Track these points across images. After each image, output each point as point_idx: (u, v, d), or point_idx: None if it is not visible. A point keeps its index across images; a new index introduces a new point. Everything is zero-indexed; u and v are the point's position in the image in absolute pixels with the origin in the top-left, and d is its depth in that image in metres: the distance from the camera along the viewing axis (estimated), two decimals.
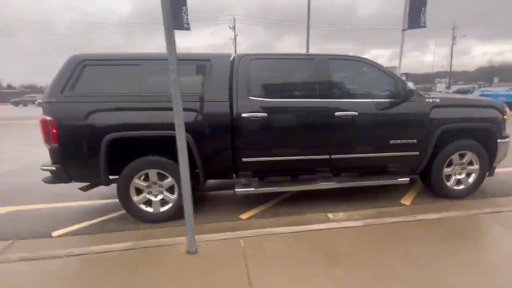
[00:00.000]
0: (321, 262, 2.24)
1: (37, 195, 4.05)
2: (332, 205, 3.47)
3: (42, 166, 2.97)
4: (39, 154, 6.60)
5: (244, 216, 3.29)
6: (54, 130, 2.79)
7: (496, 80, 36.56)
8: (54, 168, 2.88)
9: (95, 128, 2.83)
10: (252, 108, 2.99)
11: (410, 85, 3.01)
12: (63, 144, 2.83)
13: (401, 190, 3.86)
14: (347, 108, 3.12)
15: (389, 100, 3.21)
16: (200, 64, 3.05)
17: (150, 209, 3.09)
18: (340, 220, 3.01)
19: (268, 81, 3.27)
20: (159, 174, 3.02)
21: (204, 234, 2.68)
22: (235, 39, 33.53)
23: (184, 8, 16.01)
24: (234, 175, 3.27)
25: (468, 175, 3.52)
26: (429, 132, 3.25)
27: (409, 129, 3.26)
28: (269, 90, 3.19)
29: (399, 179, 3.37)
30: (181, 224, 2.99)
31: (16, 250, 2.56)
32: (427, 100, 3.27)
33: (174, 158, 3.00)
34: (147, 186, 3.05)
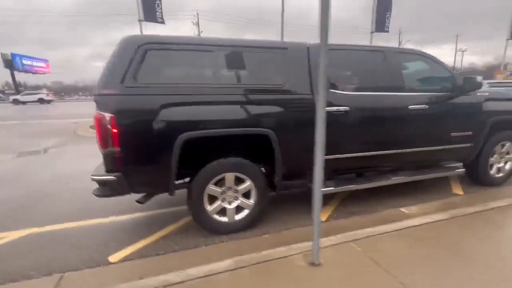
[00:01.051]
0: (449, 257, 2.17)
1: (50, 213, 3.26)
2: (396, 200, 3.45)
3: (95, 176, 2.36)
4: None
5: (322, 217, 3.07)
6: (115, 130, 2.22)
7: None
8: (113, 177, 2.30)
9: (167, 127, 2.33)
10: (335, 102, 2.79)
11: (479, 78, 3.10)
12: (126, 147, 2.28)
13: (442, 181, 4.04)
14: (418, 101, 3.11)
15: (451, 93, 3.29)
16: (278, 52, 2.73)
17: (224, 219, 2.69)
18: (417, 214, 2.99)
19: (345, 73, 3.09)
20: (235, 178, 2.64)
21: (306, 242, 2.41)
22: (199, 35, 32.16)
23: (158, 1, 14.87)
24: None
25: (506, 163, 3.83)
26: (482, 124, 3.43)
27: (467, 121, 3.40)
28: (348, 82, 3.01)
29: (457, 170, 3.51)
30: (254, 234, 2.69)
31: None
32: (479, 93, 3.44)
33: (251, 158, 2.69)
34: (221, 193, 2.64)
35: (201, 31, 31.74)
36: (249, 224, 2.76)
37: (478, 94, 3.43)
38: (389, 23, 16.43)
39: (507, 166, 3.83)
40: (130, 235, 2.74)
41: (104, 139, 2.24)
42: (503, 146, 3.71)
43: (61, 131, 10.21)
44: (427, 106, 3.12)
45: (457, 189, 3.78)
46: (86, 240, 2.68)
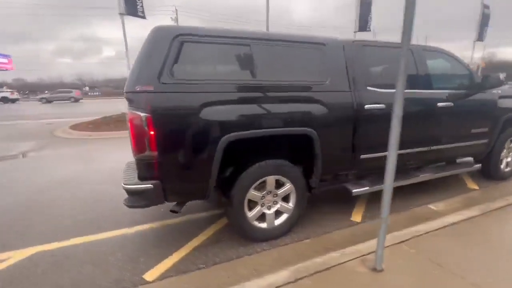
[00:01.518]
0: (505, 253, 2.18)
1: (54, 226, 2.89)
2: (418, 198, 3.45)
3: (128, 185, 2.07)
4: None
5: (355, 218, 3.00)
6: (152, 132, 1.96)
7: None
8: (150, 186, 2.03)
9: (210, 127, 2.11)
10: (372, 99, 2.71)
11: (501, 76, 3.17)
12: (164, 150, 2.02)
13: (453, 177, 4.14)
14: (445, 98, 3.13)
15: (471, 90, 3.35)
16: (317, 48, 2.59)
17: (263, 225, 2.51)
18: (447, 211, 3.02)
19: (380, 70, 3.02)
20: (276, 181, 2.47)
21: (353, 246, 2.31)
22: None
23: None
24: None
25: None
26: (497, 120, 3.55)
27: (485, 118, 3.49)
28: (382, 79, 2.94)
29: (474, 166, 3.60)
30: (293, 239, 2.56)
31: None
32: (493, 91, 3.55)
33: (289, 160, 2.54)
34: (261, 197, 2.47)
35: None
36: (288, 229, 2.61)
37: (493, 91, 3.54)
38: (371, 22, 16.97)
39: None
40: (159, 248, 2.48)
41: (140, 142, 1.98)
42: (510, 141, 3.88)
43: (36, 133, 9.33)
44: (452, 104, 3.15)
45: (472, 184, 3.89)
46: (109, 256, 2.37)
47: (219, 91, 2.16)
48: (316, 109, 2.47)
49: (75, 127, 9.55)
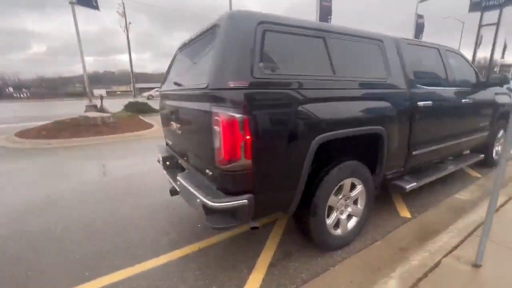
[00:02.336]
0: None
1: (68, 267, 2.29)
2: (439, 190, 3.67)
3: (215, 202, 1.69)
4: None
5: (403, 214, 3.03)
6: (249, 137, 1.64)
7: None
8: (244, 202, 1.70)
9: (307, 128, 1.88)
10: (422, 97, 2.76)
11: (509, 75, 3.55)
12: (260, 157, 1.72)
13: None
14: (466, 95, 3.38)
15: (480, 88, 3.69)
16: (377, 44, 2.52)
17: (338, 231, 2.35)
18: (477, 198, 3.26)
19: (423, 68, 3.07)
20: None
21: (433, 243, 2.30)
22: (127, 28, 28.39)
23: None
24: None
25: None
26: (495, 114, 3.99)
27: (488, 113, 3.89)
28: (426, 77, 3.00)
29: (480, 156, 3.99)
30: (363, 243, 2.47)
31: None
32: (491, 89, 3.97)
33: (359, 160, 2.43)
34: (337, 202, 2.30)
35: (130, 22, 28.25)
36: (358, 232, 2.50)
37: (491, 89, 3.96)
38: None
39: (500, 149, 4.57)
40: (227, 271, 2.13)
41: (233, 149, 1.64)
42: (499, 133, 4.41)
43: None
44: (471, 101, 3.41)
45: (474, 173, 4.30)
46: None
47: (311, 88, 1.93)
48: (384, 106, 2.41)
49: (23, 134, 7.98)
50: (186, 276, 2.09)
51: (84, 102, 12.50)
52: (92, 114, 9.55)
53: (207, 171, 1.92)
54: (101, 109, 11.32)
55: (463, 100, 3.29)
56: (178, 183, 2.16)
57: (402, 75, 2.63)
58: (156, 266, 2.22)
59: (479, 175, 4.21)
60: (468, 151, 4.19)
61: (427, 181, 3.04)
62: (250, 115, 1.64)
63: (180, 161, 2.67)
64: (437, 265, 2.01)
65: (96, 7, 12.32)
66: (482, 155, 4.04)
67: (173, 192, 2.67)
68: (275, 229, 2.73)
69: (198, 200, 1.80)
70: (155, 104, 14.99)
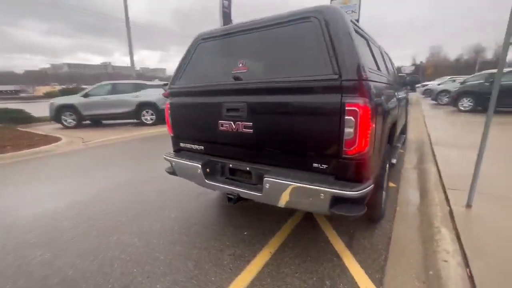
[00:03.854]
0: None
1: None
2: None
3: (354, 191, 1.72)
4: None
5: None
6: (374, 125, 1.84)
7: None
8: (371, 187, 1.85)
9: (390, 117, 2.27)
10: None
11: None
12: (374, 145, 1.92)
13: None
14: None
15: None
16: None
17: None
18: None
19: None
20: None
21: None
22: None
23: None
24: None
25: None
26: None
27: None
28: None
29: None
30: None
31: None
32: None
33: None
34: None
35: None
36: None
37: None
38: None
39: None
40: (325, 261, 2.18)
41: (364, 137, 1.76)
42: None
43: None
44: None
45: None
46: None
47: (380, 82, 2.26)
48: None
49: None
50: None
51: None
52: None
53: (316, 164, 1.92)
54: None
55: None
56: (268, 185, 2.01)
57: None
58: None
59: None
60: None
61: None
62: (374, 105, 1.81)
63: (231, 164, 2.41)
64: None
65: None
66: None
67: (234, 199, 2.35)
68: (290, 221, 2.90)
69: (322, 195, 1.79)
70: (35, 110, 11.57)
